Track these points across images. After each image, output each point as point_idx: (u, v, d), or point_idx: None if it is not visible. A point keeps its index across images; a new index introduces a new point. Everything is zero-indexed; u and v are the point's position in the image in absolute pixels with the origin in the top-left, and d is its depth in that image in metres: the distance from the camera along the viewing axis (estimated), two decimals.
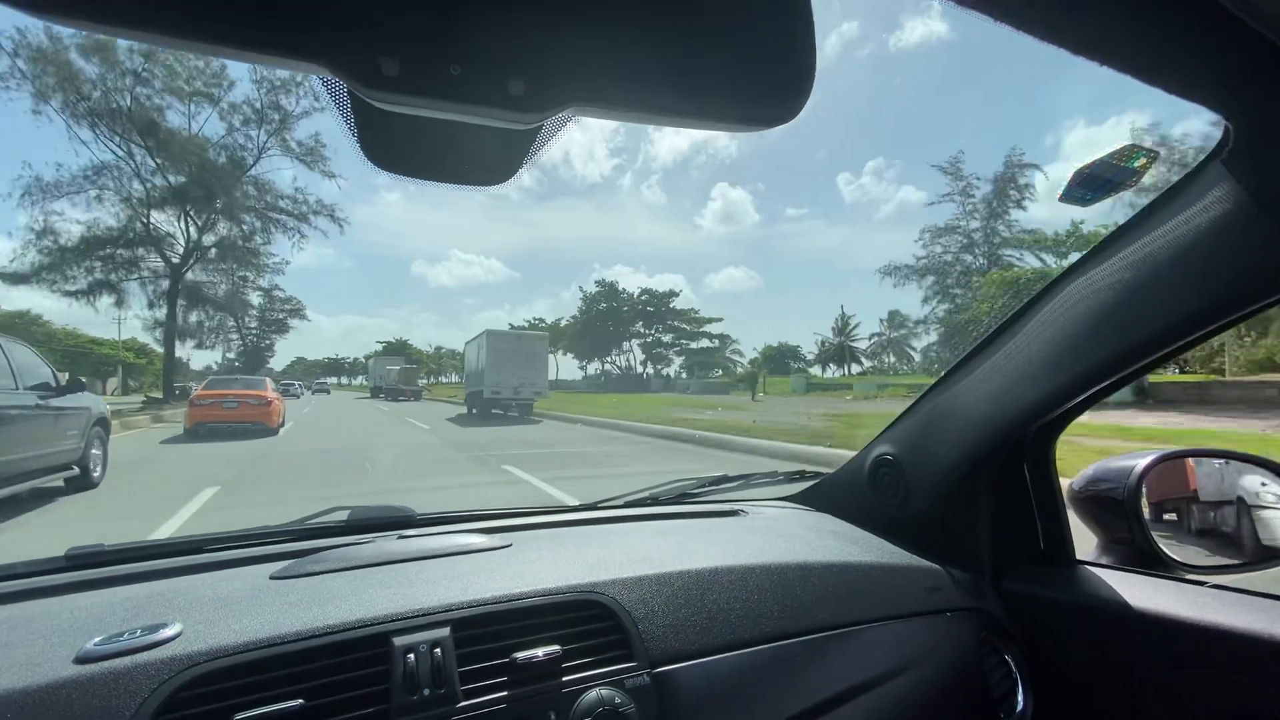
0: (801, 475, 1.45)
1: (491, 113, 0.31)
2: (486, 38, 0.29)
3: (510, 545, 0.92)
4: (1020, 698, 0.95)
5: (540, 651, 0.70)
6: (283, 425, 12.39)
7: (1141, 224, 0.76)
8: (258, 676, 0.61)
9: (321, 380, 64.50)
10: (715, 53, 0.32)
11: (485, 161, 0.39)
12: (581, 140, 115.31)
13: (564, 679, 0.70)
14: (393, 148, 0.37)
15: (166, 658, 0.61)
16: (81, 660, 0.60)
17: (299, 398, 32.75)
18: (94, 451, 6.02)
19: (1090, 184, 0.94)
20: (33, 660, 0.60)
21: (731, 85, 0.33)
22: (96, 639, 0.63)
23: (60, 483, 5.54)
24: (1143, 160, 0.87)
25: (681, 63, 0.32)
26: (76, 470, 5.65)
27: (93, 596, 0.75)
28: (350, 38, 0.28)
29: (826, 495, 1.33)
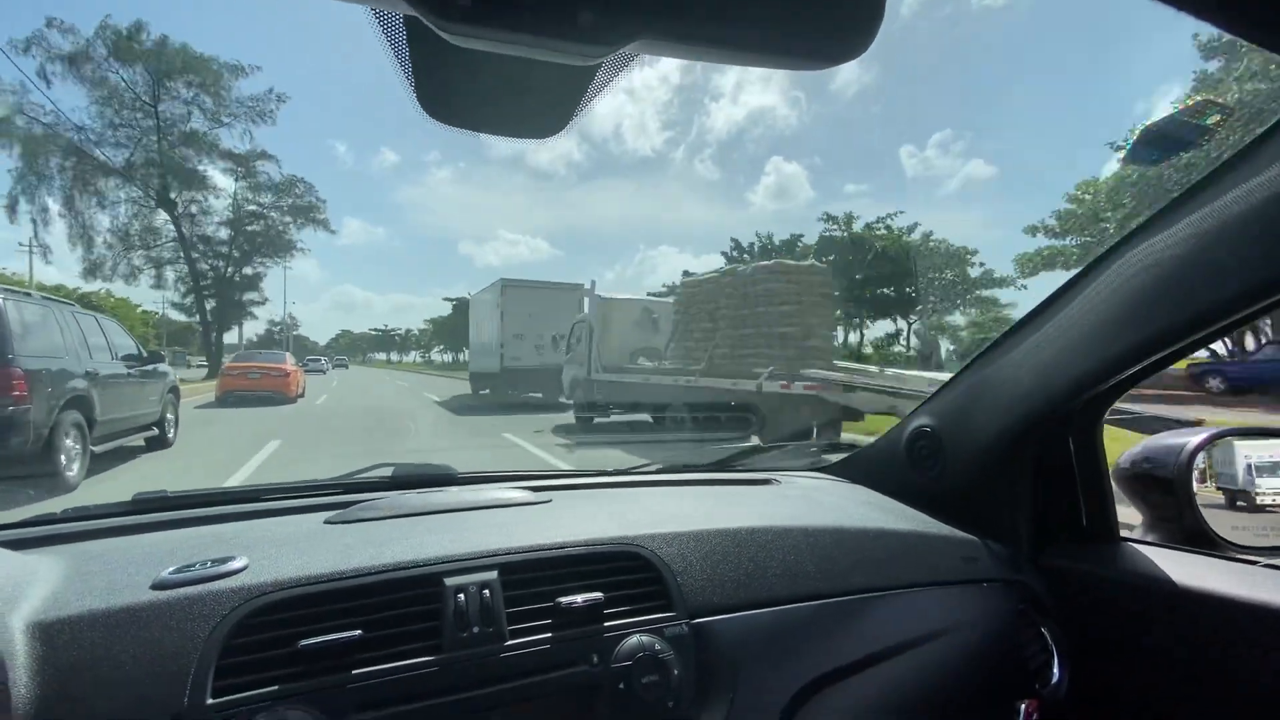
0: (835, 447, 1.45)
1: (559, 45, 0.31)
2: None
3: (551, 501, 0.97)
4: (1056, 670, 0.94)
5: (581, 598, 0.73)
6: (301, 395, 13.33)
7: (1210, 187, 0.72)
8: (319, 608, 0.65)
9: (341, 356, 63.85)
10: None
11: (538, 110, 0.39)
12: (633, 112, 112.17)
13: (605, 624, 0.73)
14: (447, 96, 0.37)
15: (236, 587, 0.64)
16: (158, 587, 0.64)
17: (325, 373, 30.06)
18: (168, 415, 6.75)
19: (1158, 143, 0.88)
20: (113, 586, 0.63)
21: (800, 15, 0.32)
22: (171, 569, 0.66)
23: (141, 441, 6.23)
24: (1216, 117, 0.81)
25: None
26: (156, 431, 6.40)
27: (160, 536, 0.79)
28: None
29: (860, 467, 1.33)
